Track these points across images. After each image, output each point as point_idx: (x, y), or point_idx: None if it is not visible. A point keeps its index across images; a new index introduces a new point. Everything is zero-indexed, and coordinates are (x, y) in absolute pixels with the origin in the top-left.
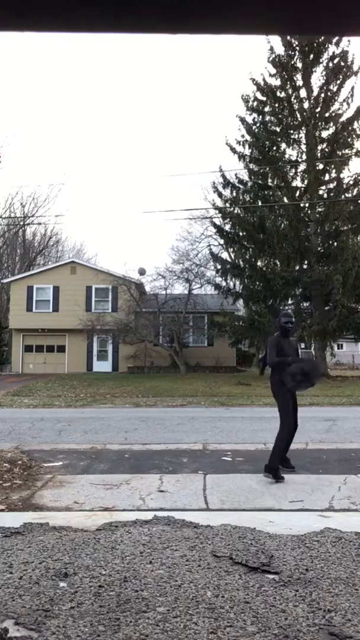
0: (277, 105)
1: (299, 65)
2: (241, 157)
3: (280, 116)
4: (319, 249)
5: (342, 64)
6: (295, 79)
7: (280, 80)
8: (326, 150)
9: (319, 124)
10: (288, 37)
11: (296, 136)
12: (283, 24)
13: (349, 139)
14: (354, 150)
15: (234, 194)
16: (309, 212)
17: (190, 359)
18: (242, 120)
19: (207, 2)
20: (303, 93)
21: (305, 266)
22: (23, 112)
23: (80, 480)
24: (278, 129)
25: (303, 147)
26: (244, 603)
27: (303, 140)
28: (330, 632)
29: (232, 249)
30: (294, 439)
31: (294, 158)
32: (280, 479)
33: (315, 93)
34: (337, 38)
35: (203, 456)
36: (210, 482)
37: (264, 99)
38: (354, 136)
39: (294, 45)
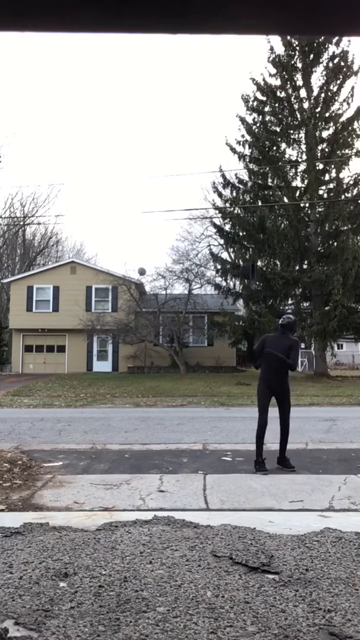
0: (277, 105)
1: (299, 65)
2: (241, 157)
3: (280, 116)
4: (319, 249)
5: (342, 64)
6: (295, 79)
7: (280, 80)
8: (326, 150)
9: (319, 124)
10: (288, 37)
11: (296, 136)
12: (283, 24)
13: (349, 139)
14: (354, 150)
15: (234, 194)
16: (309, 212)
17: (190, 359)
18: (242, 120)
19: (207, 2)
20: (303, 93)
21: (305, 266)
22: (23, 112)
23: (80, 480)
24: (278, 129)
25: (303, 147)
26: (244, 603)
27: (303, 140)
28: (330, 632)
29: (232, 249)
30: (293, 439)
31: (294, 158)
32: (261, 471)
33: (315, 93)
34: (337, 38)
35: (203, 456)
36: (210, 482)
37: (264, 98)
38: (354, 136)
39: (294, 45)
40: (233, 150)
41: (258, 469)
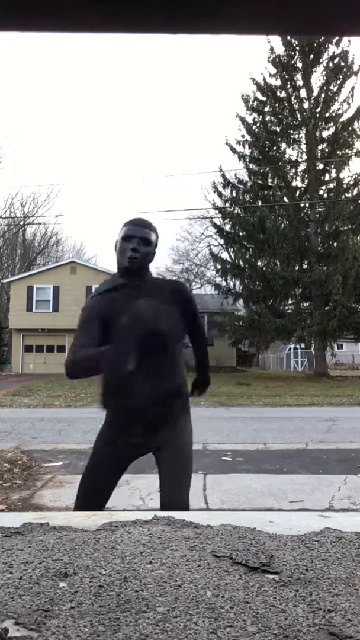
0: (277, 105)
1: (299, 65)
2: (241, 157)
3: (280, 116)
4: (319, 249)
5: (342, 64)
6: (295, 79)
7: (281, 80)
8: (326, 150)
9: (319, 124)
10: (288, 37)
11: (296, 136)
12: (283, 24)
13: (349, 139)
14: (354, 150)
15: (234, 194)
16: (309, 212)
17: (190, 359)
18: (242, 120)
19: (208, 2)
20: (303, 93)
21: (305, 266)
22: (23, 112)
23: None
24: (278, 129)
25: (303, 147)
26: (244, 603)
27: (303, 140)
28: (330, 632)
29: (232, 249)
30: (293, 439)
31: (294, 158)
32: None
33: (315, 93)
34: (337, 38)
35: (203, 456)
36: (211, 482)
37: (264, 98)
38: (354, 136)
39: (294, 45)
40: (233, 150)
41: None
